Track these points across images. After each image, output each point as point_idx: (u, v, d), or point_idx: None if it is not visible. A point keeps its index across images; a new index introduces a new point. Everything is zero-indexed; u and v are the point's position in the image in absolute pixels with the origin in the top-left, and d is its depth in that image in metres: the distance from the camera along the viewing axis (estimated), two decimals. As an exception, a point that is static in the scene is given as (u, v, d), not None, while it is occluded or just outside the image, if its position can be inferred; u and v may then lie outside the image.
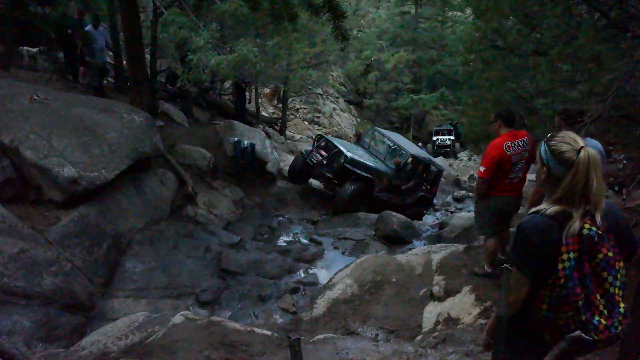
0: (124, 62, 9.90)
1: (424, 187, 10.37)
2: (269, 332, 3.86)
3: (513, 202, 4.29)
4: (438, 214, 11.07)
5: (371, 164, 9.09)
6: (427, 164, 10.34)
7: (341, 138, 14.77)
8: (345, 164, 8.57)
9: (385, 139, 10.42)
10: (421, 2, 28.71)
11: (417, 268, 5.35)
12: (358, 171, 8.67)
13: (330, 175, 8.76)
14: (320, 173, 9.03)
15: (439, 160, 15.53)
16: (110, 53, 10.17)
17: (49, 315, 4.49)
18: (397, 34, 28.91)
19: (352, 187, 8.65)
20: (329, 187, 9.42)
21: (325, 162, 8.84)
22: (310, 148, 9.87)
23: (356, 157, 8.81)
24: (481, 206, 4.37)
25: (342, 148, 8.83)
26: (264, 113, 16.79)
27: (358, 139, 10.95)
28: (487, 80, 5.93)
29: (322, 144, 9.28)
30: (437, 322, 4.21)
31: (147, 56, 9.40)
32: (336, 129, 21.26)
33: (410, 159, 9.71)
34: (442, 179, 19.18)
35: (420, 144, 19.08)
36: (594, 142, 3.64)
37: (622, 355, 2.31)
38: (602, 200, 1.58)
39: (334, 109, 24.54)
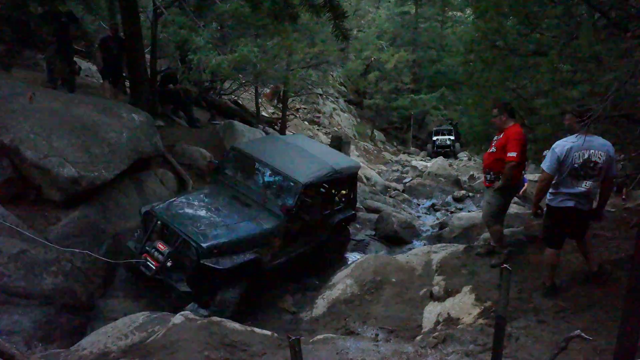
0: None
1: (340, 205, 6.98)
2: (269, 332, 3.86)
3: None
4: (438, 214, 11.06)
5: (244, 234, 5.28)
6: (337, 178, 6.55)
7: (340, 139, 13.98)
8: (202, 262, 4.81)
9: (257, 164, 6.20)
10: (421, 2, 28.70)
11: (417, 268, 5.36)
12: (225, 266, 4.88)
13: (187, 290, 4.84)
14: (169, 286, 4.99)
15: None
16: None
17: (49, 315, 4.50)
18: (397, 34, 28.89)
19: (230, 297, 5.02)
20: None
21: (169, 264, 4.92)
22: (135, 236, 5.52)
23: (216, 241, 4.97)
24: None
25: (188, 232, 4.99)
26: (264, 113, 16.78)
27: (216, 171, 6.43)
28: (487, 80, 5.92)
29: (156, 227, 5.22)
30: (437, 322, 4.21)
31: (147, 56, 9.39)
32: (336, 129, 21.23)
33: (302, 190, 5.77)
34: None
35: (416, 149, 18.95)
36: (603, 141, 3.65)
37: (617, 354, 2.31)
38: None
39: (334, 109, 24.52)
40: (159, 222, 5.20)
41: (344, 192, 7.10)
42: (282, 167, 6.02)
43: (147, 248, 5.08)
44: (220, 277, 4.92)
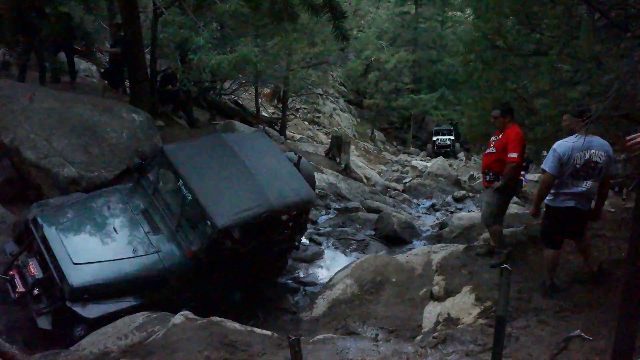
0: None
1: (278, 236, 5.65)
2: (269, 332, 3.86)
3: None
4: (438, 214, 11.06)
5: (134, 274, 4.34)
6: (273, 217, 5.21)
7: (340, 139, 13.54)
8: (70, 305, 3.96)
9: (180, 181, 4.89)
10: (421, 2, 28.72)
11: (417, 268, 5.35)
12: (92, 315, 3.97)
13: (46, 327, 3.98)
14: (30, 315, 4.11)
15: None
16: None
17: (49, 315, 4.48)
18: (397, 34, 28.90)
19: None
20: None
21: (36, 292, 4.08)
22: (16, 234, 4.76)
23: (92, 279, 4.09)
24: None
25: (62, 263, 4.11)
26: (264, 113, 16.80)
27: (138, 171, 5.25)
28: (487, 80, 5.92)
29: (33, 244, 4.38)
30: (437, 322, 4.21)
31: (147, 56, 9.40)
32: (336, 129, 21.25)
33: (215, 236, 4.58)
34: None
35: (416, 149, 18.95)
36: (602, 141, 3.66)
37: (615, 354, 2.31)
38: None
39: (334, 109, 24.53)
40: (33, 240, 4.33)
41: (281, 232, 5.69)
42: (204, 195, 4.73)
43: (19, 263, 4.25)
44: (87, 324, 3.93)
